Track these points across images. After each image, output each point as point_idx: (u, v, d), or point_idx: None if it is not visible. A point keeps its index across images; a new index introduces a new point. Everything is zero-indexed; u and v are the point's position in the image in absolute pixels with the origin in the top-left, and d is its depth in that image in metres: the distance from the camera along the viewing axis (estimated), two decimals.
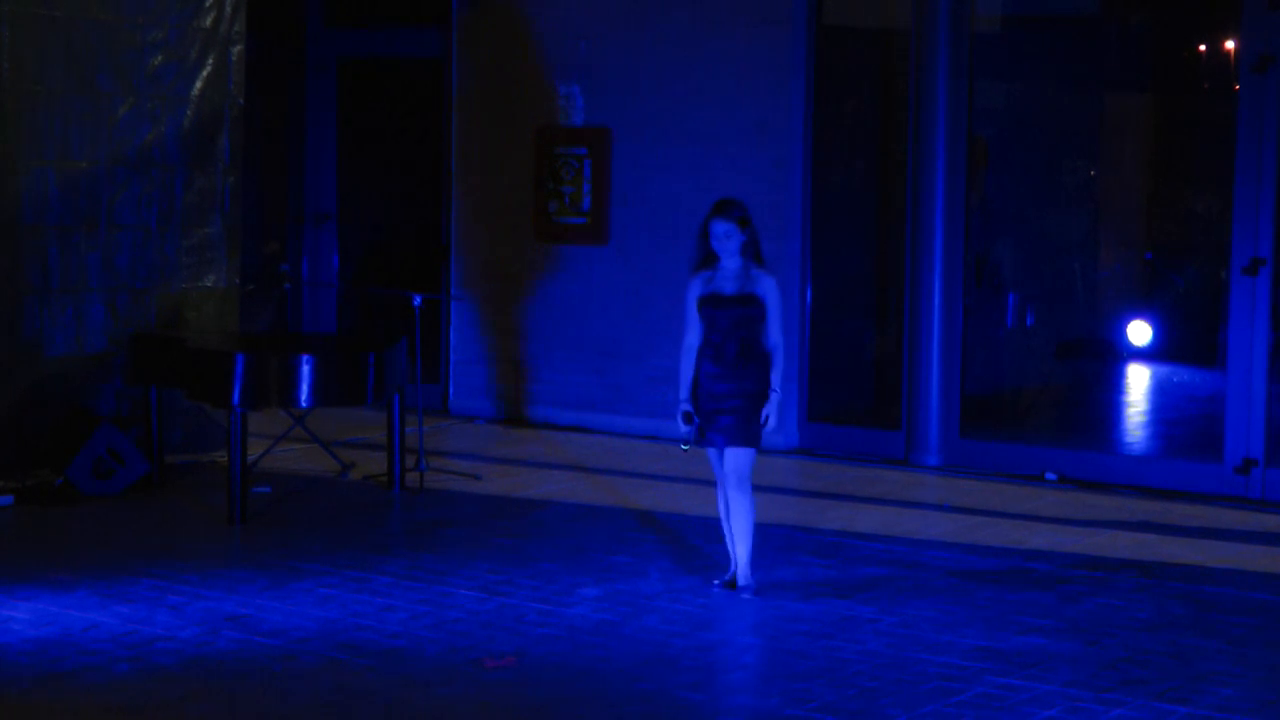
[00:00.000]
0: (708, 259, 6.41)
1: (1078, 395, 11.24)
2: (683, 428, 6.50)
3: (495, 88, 10.77)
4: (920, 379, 9.43)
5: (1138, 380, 11.52)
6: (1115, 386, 11.49)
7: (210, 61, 9.35)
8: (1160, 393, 11.44)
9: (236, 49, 9.49)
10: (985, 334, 10.35)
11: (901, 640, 6.04)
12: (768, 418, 6.40)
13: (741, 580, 6.55)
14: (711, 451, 6.53)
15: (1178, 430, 10.47)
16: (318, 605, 6.40)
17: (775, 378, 6.41)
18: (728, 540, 6.63)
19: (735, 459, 6.45)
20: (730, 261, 6.37)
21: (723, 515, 6.63)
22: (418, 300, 8.95)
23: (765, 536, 7.67)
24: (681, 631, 6.14)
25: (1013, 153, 10.91)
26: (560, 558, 7.21)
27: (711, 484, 8.97)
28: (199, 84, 9.31)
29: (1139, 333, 11.25)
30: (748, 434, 6.40)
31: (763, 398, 6.39)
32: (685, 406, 6.48)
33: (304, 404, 7.98)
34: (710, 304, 6.40)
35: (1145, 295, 11.50)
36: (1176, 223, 11.60)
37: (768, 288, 6.39)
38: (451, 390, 11.03)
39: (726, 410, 6.38)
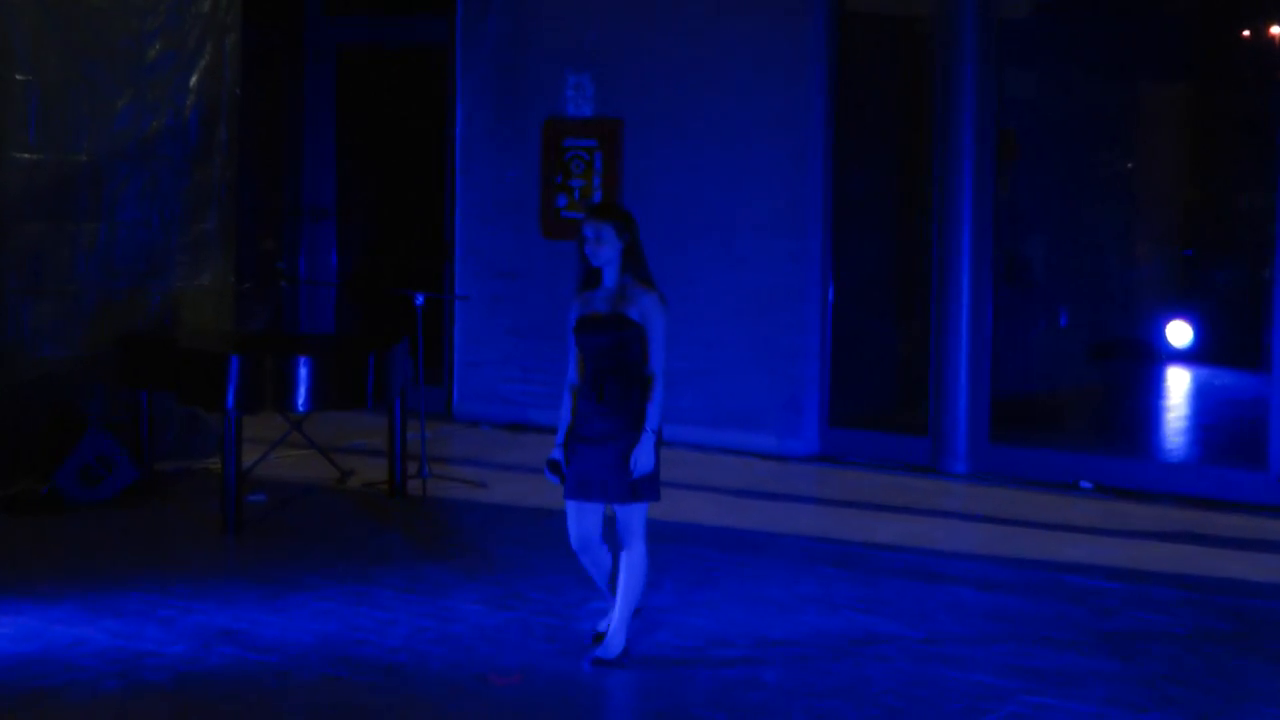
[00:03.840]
0: (590, 278, 5.76)
1: (1114, 399, 11.21)
2: (549, 477, 5.86)
3: (501, 77, 10.75)
4: (948, 382, 9.41)
5: (1177, 383, 11.48)
6: (1153, 390, 11.46)
7: (208, 49, 9.34)
8: (1201, 396, 11.40)
9: (232, 36, 9.48)
10: (1016, 334, 10.30)
11: (929, 657, 6.00)
12: (637, 462, 5.67)
13: (607, 649, 5.80)
14: (571, 504, 5.81)
15: (1219, 436, 10.43)
16: (315, 619, 6.38)
17: (652, 412, 5.67)
18: (603, 589, 5.96)
19: (625, 516, 5.76)
20: (608, 278, 5.73)
21: (584, 564, 5.95)
22: (420, 299, 8.95)
23: (784, 548, 7.70)
24: (696, 646, 6.11)
25: (1044, 145, 10.88)
26: (569, 569, 7.16)
27: (726, 493, 8.97)
28: (197, 73, 9.30)
29: (1178, 333, 11.21)
30: (638, 490, 5.70)
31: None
32: (554, 454, 5.82)
33: (301, 408, 7.97)
34: (583, 328, 5.73)
35: (1184, 294, 11.45)
36: (1217, 218, 11.54)
37: (645, 307, 5.68)
38: (456, 393, 11.03)
39: (605, 457, 5.69)
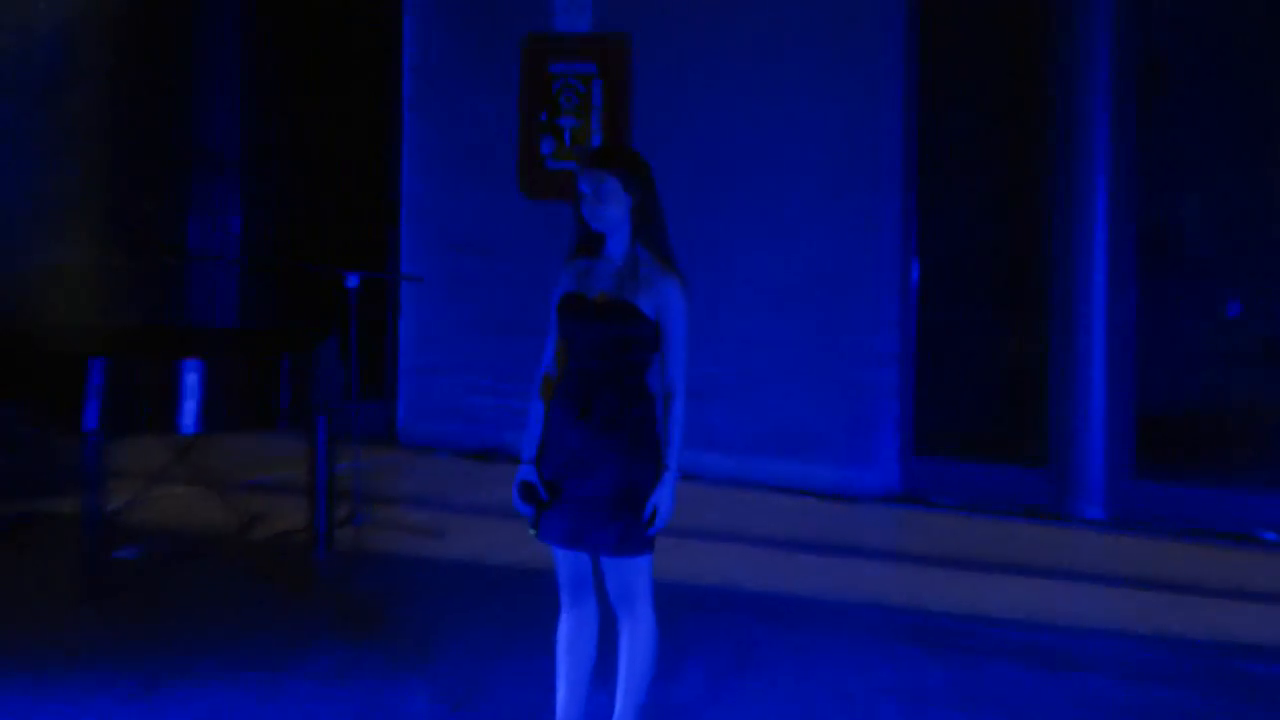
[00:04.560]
0: (589, 242, 5.67)
1: None
2: (520, 507, 5.72)
3: None
4: (1075, 395, 9.44)
5: None
6: None
7: None
8: None
9: None
10: (1169, 331, 10.26)
11: None
12: (655, 509, 5.53)
13: None
14: (557, 547, 5.74)
15: None
16: None
17: (674, 443, 5.58)
18: (560, 684, 5.79)
19: (619, 574, 5.63)
20: (613, 246, 5.63)
21: (561, 647, 5.82)
22: (354, 280, 8.96)
23: (852, 620, 7.70)
24: None
25: (1205, 76, 10.80)
26: (554, 649, 7.03)
27: (773, 545, 8.82)
28: None
29: None
30: (631, 537, 5.56)
31: (644, 470, 5.55)
32: (525, 473, 5.69)
33: (189, 429, 7.99)
34: (570, 310, 5.68)
35: None
36: None
37: (664, 297, 5.58)
38: (402, 410, 11.12)
39: (586, 491, 5.57)
